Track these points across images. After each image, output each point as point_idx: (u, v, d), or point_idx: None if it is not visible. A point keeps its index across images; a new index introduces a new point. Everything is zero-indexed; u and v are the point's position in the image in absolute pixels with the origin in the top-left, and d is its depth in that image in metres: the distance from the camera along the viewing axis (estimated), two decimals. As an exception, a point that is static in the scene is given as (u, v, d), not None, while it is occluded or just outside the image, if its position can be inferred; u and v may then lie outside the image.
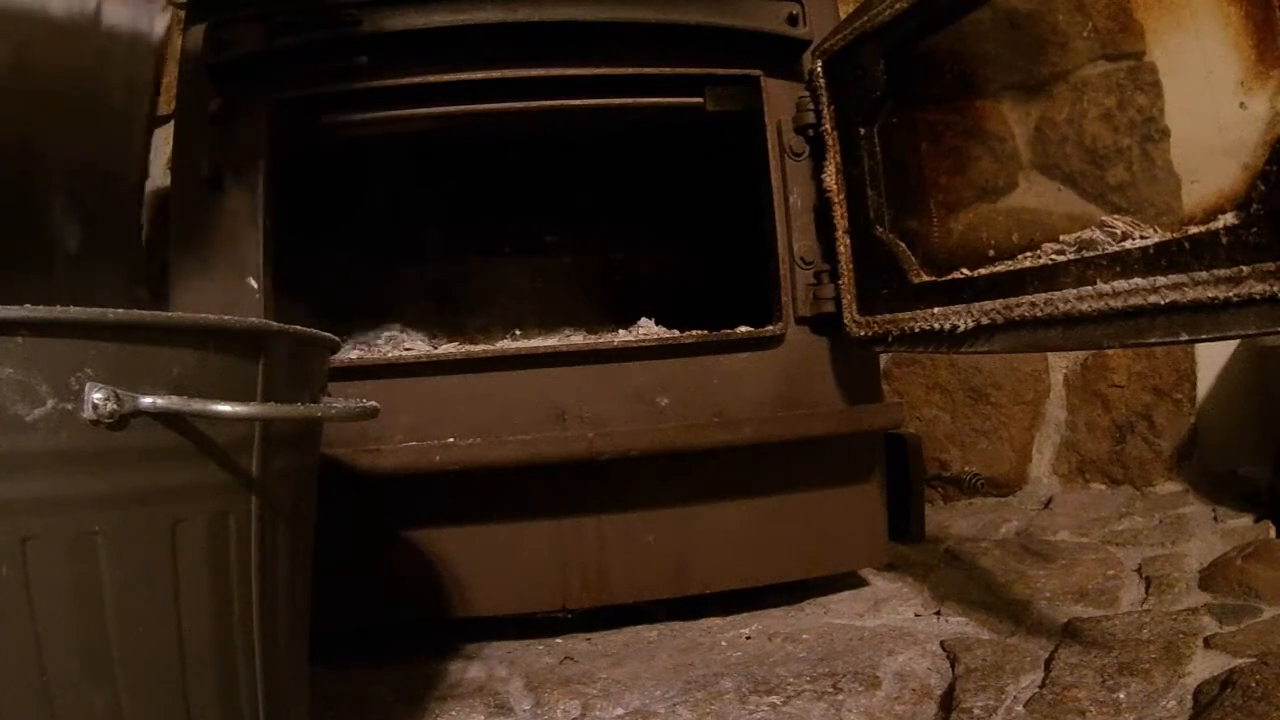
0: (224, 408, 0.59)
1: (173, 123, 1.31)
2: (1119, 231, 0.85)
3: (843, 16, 1.26)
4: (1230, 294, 0.71)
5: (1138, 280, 0.79)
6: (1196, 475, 1.83)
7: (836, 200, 1.23)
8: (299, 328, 0.71)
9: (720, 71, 1.27)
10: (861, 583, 1.37)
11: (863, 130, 1.19)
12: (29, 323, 0.54)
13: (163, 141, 1.94)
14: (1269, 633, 1.03)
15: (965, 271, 1.03)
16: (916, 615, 1.23)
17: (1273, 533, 1.45)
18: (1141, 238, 0.82)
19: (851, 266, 1.22)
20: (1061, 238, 0.91)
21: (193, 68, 1.20)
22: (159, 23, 1.75)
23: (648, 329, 1.41)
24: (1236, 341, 1.81)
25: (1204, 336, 0.76)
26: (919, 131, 1.17)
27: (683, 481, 1.22)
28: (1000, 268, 0.98)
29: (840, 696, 0.96)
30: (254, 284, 1.16)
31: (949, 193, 1.14)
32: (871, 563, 1.36)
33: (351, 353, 1.29)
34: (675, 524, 1.22)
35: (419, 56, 1.20)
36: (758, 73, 1.28)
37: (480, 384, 1.18)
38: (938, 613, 1.22)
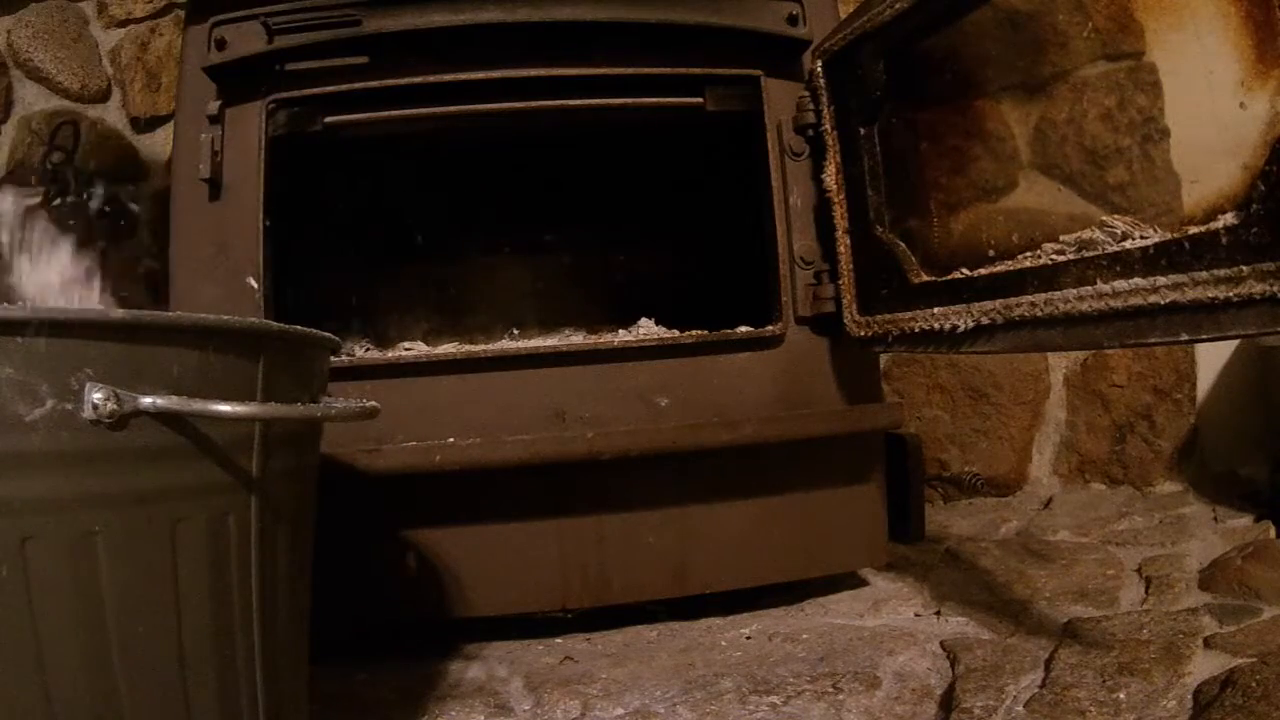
0: (224, 408, 0.59)
1: (173, 123, 1.31)
2: (1119, 231, 0.85)
3: (843, 16, 1.26)
4: (1230, 294, 0.71)
5: (1138, 280, 0.79)
6: (1196, 475, 1.83)
7: (836, 200, 1.23)
8: (299, 328, 0.71)
9: (720, 71, 1.27)
10: (861, 583, 1.37)
11: (863, 130, 1.19)
12: (29, 323, 0.54)
13: (163, 141, 1.95)
14: (1269, 633, 1.03)
15: (965, 271, 1.03)
16: (916, 615, 1.23)
17: (1273, 533, 1.45)
18: (1141, 238, 0.82)
19: (851, 266, 1.22)
20: (1061, 238, 0.91)
21: (193, 68, 1.19)
22: None
23: (648, 329, 1.41)
24: (1236, 341, 1.81)
25: (1204, 336, 0.76)
26: (919, 131, 1.17)
27: (683, 481, 1.22)
28: (1000, 268, 0.98)
29: (840, 696, 0.96)
30: (254, 284, 1.16)
31: (949, 193, 1.14)
32: (871, 563, 1.36)
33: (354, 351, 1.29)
34: (675, 524, 1.22)
35: (419, 56, 1.20)
36: (758, 73, 1.28)
37: (480, 384, 1.18)
38: (938, 613, 1.22)
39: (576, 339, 1.46)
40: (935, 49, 1.12)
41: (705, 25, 1.21)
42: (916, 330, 1.09)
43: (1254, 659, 0.94)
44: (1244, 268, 0.70)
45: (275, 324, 0.68)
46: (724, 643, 1.16)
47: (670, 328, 1.38)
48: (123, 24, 1.95)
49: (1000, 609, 1.20)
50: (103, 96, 1.93)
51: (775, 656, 1.09)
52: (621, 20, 1.19)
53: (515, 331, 1.62)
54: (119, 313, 0.56)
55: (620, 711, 0.96)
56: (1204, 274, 0.73)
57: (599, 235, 1.74)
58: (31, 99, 1.85)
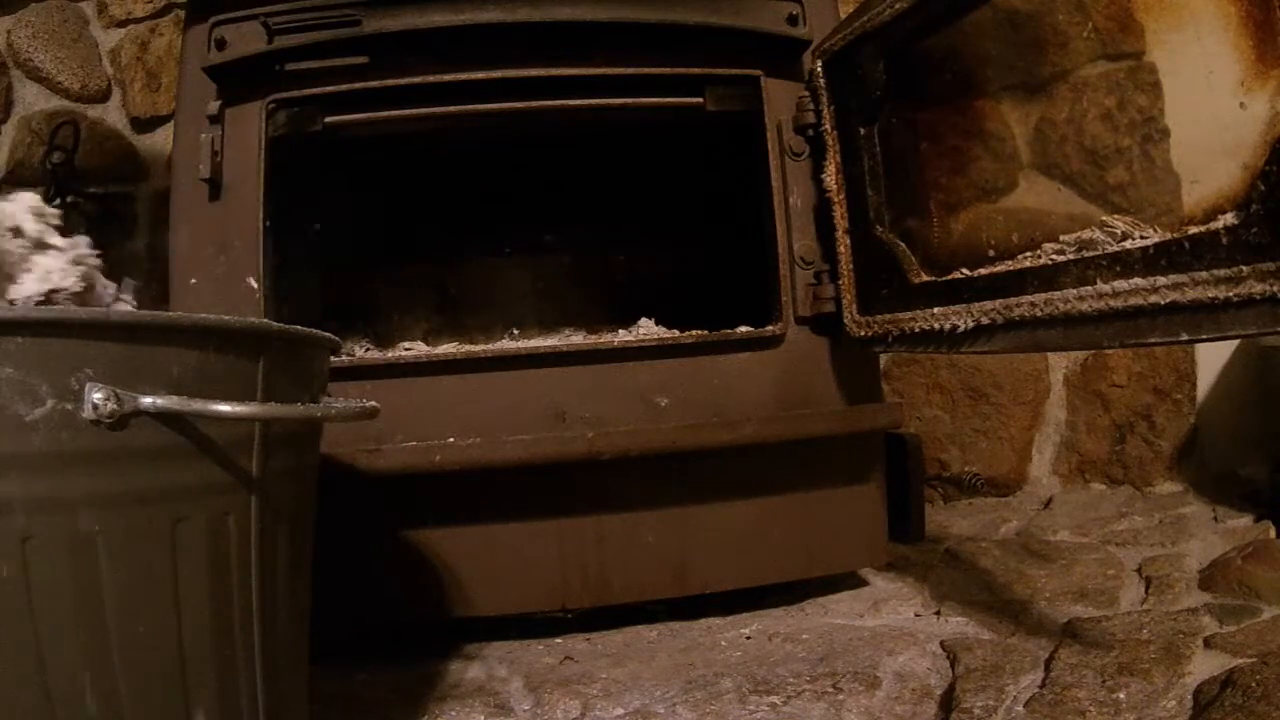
0: (224, 408, 0.59)
1: (173, 123, 1.31)
2: (1119, 231, 0.85)
3: (843, 16, 1.26)
4: (1230, 294, 0.71)
5: (1138, 280, 0.79)
6: (1196, 475, 1.83)
7: (836, 200, 1.23)
8: (299, 328, 0.71)
9: (720, 71, 1.27)
10: (861, 583, 1.37)
11: (863, 130, 1.19)
12: (29, 323, 0.54)
13: (163, 141, 1.95)
14: (1269, 633, 1.03)
15: (965, 271, 1.03)
16: (916, 615, 1.23)
17: (1273, 533, 1.45)
18: (1141, 238, 0.82)
19: (851, 266, 1.22)
20: (1061, 238, 0.91)
21: (193, 68, 1.19)
22: None
23: (648, 329, 1.41)
24: (1236, 341, 1.81)
25: (1204, 336, 0.76)
26: (919, 131, 1.17)
27: (683, 481, 1.22)
28: (1000, 268, 0.98)
29: (840, 696, 0.96)
30: (254, 284, 1.16)
31: (949, 193, 1.14)
32: (871, 563, 1.36)
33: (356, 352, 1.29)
34: (675, 524, 1.22)
35: (419, 56, 1.20)
36: (758, 73, 1.28)
37: (480, 384, 1.18)
38: (938, 613, 1.22)
39: (576, 339, 1.46)
40: (935, 49, 1.12)
41: (705, 25, 1.21)
42: (916, 330, 1.09)
43: (1254, 659, 0.94)
44: (1244, 268, 0.70)
45: (275, 324, 0.68)
46: (724, 643, 1.16)
47: (670, 328, 1.38)
48: (123, 24, 1.95)
49: (1000, 609, 1.20)
50: (103, 96, 1.93)
51: (775, 656, 1.09)
52: (621, 20, 1.19)
53: (515, 331, 1.62)
54: (119, 313, 0.56)
55: (620, 711, 0.96)
56: (1204, 274, 0.73)
57: (599, 235, 1.74)
58: (31, 99, 1.85)
